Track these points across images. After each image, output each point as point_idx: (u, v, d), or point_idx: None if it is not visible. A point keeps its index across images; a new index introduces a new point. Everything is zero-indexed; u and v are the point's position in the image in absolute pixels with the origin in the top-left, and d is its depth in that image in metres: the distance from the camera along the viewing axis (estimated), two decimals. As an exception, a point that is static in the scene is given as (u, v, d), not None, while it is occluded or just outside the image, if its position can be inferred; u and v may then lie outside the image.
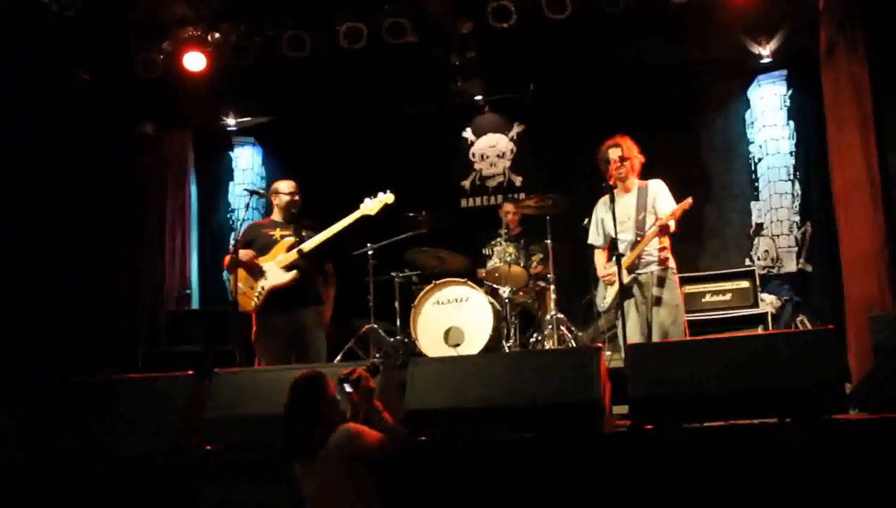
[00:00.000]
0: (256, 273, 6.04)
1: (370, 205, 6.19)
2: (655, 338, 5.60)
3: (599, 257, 6.11)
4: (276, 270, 6.06)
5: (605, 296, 5.97)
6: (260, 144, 9.89)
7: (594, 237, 6.09)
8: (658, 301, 5.67)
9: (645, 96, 8.50)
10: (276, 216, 6.33)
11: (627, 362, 4.88)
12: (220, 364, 6.02)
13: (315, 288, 6.20)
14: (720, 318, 7.30)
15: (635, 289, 5.74)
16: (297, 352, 5.97)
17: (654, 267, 5.74)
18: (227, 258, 6.10)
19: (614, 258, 5.62)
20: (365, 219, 6.21)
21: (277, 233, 6.21)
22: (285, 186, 6.34)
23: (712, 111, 8.71)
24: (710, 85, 8.64)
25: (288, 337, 6.00)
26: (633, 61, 8.36)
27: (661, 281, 5.71)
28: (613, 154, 5.86)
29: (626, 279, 5.66)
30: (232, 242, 6.15)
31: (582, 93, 8.80)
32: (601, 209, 6.01)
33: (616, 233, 5.74)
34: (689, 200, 5.62)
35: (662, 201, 5.80)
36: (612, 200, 5.65)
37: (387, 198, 6.24)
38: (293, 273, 6.04)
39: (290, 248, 6.10)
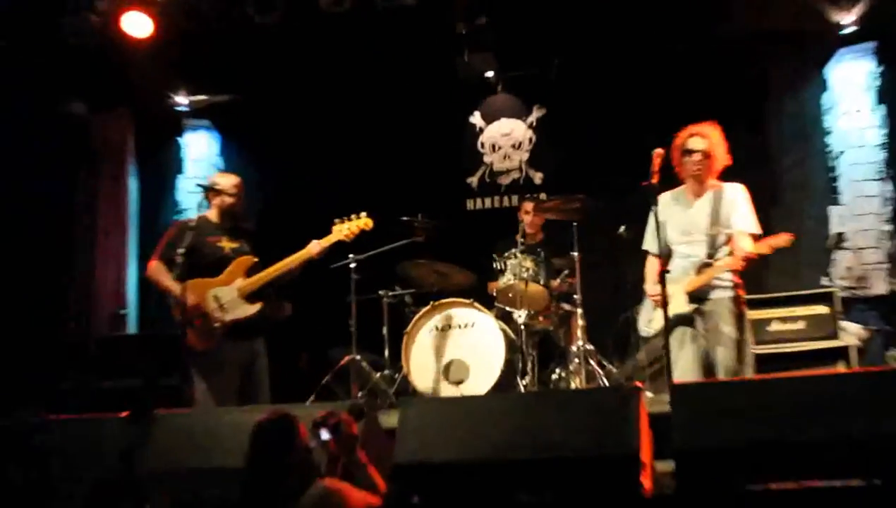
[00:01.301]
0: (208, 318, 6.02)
1: (345, 230, 6.24)
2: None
3: (652, 266, 6.03)
4: (236, 300, 6.06)
5: (653, 319, 5.90)
6: (217, 129, 9.90)
7: (650, 241, 6.01)
8: (725, 335, 5.63)
9: (697, 75, 8.52)
10: (214, 216, 6.30)
11: (673, 406, 4.84)
12: (162, 403, 5.99)
13: (276, 310, 6.25)
14: (790, 352, 7.27)
15: (696, 318, 5.70)
16: (247, 388, 6.02)
17: (726, 293, 5.70)
18: (158, 267, 6.08)
19: (666, 273, 5.57)
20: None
21: (225, 243, 6.19)
22: (229, 183, 6.31)
23: (781, 94, 8.71)
24: (779, 61, 8.64)
25: (239, 371, 6.04)
26: (684, 32, 8.37)
27: (731, 311, 5.67)
28: (696, 145, 5.76)
29: (687, 308, 5.64)
30: (177, 252, 5.96)
31: (618, 69, 8.81)
32: (665, 209, 5.92)
33: (674, 243, 5.70)
34: (787, 237, 5.54)
35: (740, 218, 5.70)
36: (655, 203, 5.59)
37: (363, 222, 6.29)
38: (258, 305, 6.06)
39: (249, 271, 6.11)
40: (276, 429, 4.12)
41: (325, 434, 4.21)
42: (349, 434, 4.23)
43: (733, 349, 5.61)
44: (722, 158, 5.80)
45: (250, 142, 9.69)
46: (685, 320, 5.62)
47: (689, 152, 5.74)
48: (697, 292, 5.66)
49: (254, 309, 6.06)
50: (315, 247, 6.16)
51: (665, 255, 5.87)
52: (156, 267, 6.15)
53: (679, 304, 5.61)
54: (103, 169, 9.47)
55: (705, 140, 5.75)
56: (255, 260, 6.17)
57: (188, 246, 5.93)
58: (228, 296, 6.06)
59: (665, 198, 5.84)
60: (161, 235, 6.35)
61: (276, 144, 9.42)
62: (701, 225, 5.76)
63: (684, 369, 5.56)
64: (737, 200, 5.75)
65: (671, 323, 5.61)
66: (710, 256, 5.70)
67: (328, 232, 6.28)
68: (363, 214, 6.29)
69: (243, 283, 6.08)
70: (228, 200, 6.26)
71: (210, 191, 6.29)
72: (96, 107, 9.45)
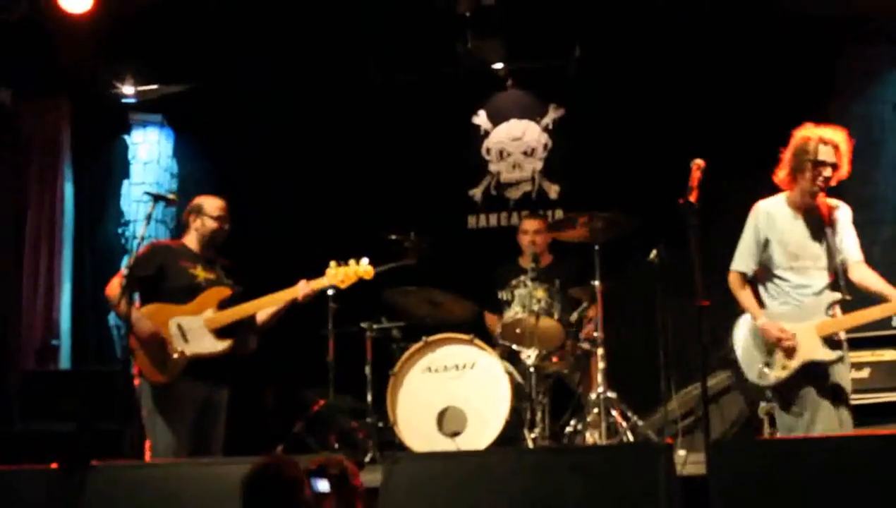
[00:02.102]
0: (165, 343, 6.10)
1: (340, 275, 6.31)
2: None
3: (744, 291, 5.92)
4: (203, 332, 6.16)
5: (773, 364, 5.71)
6: (171, 126, 9.91)
7: (745, 259, 5.94)
8: (846, 392, 5.62)
9: (748, 68, 8.53)
10: (193, 243, 6.42)
11: (710, 467, 4.86)
12: (100, 452, 5.99)
13: (241, 347, 6.31)
14: (854, 405, 7.25)
15: (828, 370, 5.63)
16: (201, 436, 6.10)
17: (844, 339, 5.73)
18: (117, 286, 6.09)
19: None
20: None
21: (200, 272, 6.31)
22: (213, 206, 6.42)
23: (846, 93, 8.71)
24: (846, 54, 8.64)
25: (197, 413, 6.11)
26: (735, 14, 8.39)
27: (843, 361, 5.69)
28: (829, 157, 5.67)
29: (830, 355, 5.60)
30: (126, 267, 6.11)
31: (652, 61, 8.84)
32: (767, 222, 5.85)
33: (779, 268, 5.71)
34: None
35: (855, 246, 5.74)
36: (690, 219, 5.57)
37: (363, 270, 6.35)
38: (228, 342, 6.18)
39: (223, 303, 6.23)
40: (280, 480, 4.00)
41: (322, 486, 4.14)
42: (353, 487, 4.18)
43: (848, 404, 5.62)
44: (844, 171, 5.74)
45: (211, 140, 9.70)
46: (817, 372, 5.56)
47: (820, 164, 5.66)
48: (831, 336, 5.64)
49: (222, 345, 6.17)
50: (303, 288, 6.28)
51: (748, 280, 5.86)
52: (115, 286, 6.19)
53: (813, 349, 5.57)
54: (32, 170, 9.47)
55: (833, 149, 5.67)
56: (231, 292, 6.30)
57: (155, 267, 6.18)
58: (194, 326, 6.15)
59: (767, 209, 5.86)
60: (103, 251, 6.39)
61: (241, 146, 9.42)
62: (814, 249, 5.77)
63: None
64: (848, 224, 5.80)
65: (798, 373, 5.58)
66: (835, 289, 5.71)
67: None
68: (364, 260, 6.35)
69: (213, 315, 6.18)
70: (211, 225, 6.38)
71: (191, 213, 6.40)
72: (25, 95, 9.47)
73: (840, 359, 5.62)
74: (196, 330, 6.15)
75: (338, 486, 4.10)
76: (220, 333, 6.16)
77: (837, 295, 5.69)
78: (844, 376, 5.65)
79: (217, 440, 6.23)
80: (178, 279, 6.21)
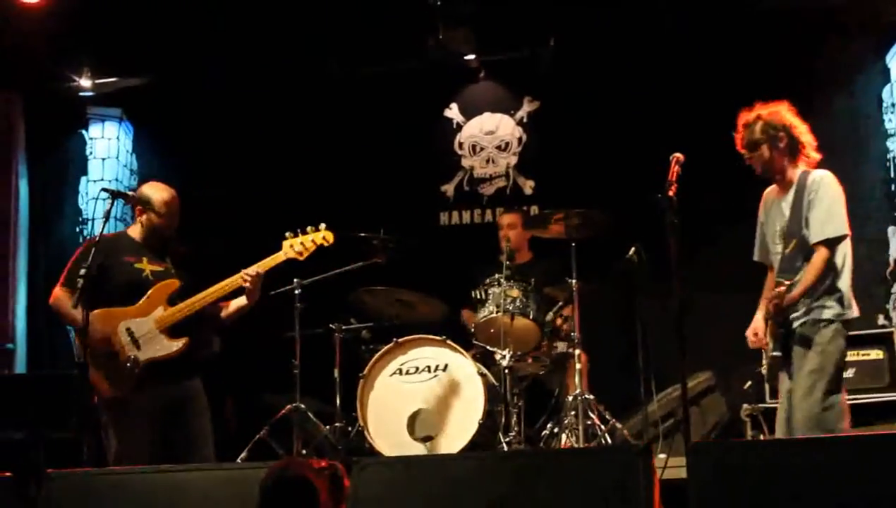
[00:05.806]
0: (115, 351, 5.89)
1: (297, 246, 6.06)
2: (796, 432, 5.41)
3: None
4: (154, 334, 5.91)
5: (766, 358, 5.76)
6: (130, 120, 9.87)
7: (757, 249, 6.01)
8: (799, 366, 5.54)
9: (728, 60, 8.55)
10: (136, 234, 6.22)
11: (691, 471, 4.86)
12: (56, 461, 5.94)
13: (204, 348, 6.14)
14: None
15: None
16: (173, 436, 5.91)
17: (819, 313, 5.60)
18: (62, 294, 5.96)
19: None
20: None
21: (146, 265, 6.07)
22: (159, 196, 6.16)
23: (830, 87, 8.74)
24: (829, 46, 8.67)
25: (160, 424, 5.89)
26: (714, 6, 8.41)
27: (809, 338, 5.56)
28: None
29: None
30: (81, 272, 5.95)
31: (630, 53, 8.86)
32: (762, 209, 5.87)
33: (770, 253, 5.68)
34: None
35: (816, 215, 5.61)
36: (668, 215, 5.57)
37: (320, 236, 6.11)
38: (182, 341, 5.92)
39: (172, 298, 5.97)
40: (296, 484, 3.99)
41: None
42: (342, 488, 4.16)
43: (804, 382, 5.55)
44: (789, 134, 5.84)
45: (172, 135, 9.66)
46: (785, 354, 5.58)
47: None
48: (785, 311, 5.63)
49: (176, 345, 5.91)
50: (252, 269, 6.00)
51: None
52: (59, 295, 6.07)
53: None
54: (-16, 167, 9.45)
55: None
56: (178, 283, 6.04)
57: (96, 265, 5.83)
58: (144, 330, 5.92)
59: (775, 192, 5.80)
60: (60, 250, 6.31)
61: (203, 141, 9.39)
62: (780, 225, 5.76)
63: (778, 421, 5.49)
64: (818, 191, 5.71)
65: (772, 361, 5.57)
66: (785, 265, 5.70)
67: (274, 249, 6.20)
68: (322, 226, 6.11)
69: (163, 314, 5.95)
70: (156, 220, 6.10)
71: (137, 204, 6.19)
72: (-26, 88, 9.45)
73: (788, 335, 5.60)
74: (147, 334, 5.91)
75: (333, 487, 4.09)
76: (171, 332, 5.92)
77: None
78: (804, 352, 5.55)
79: (201, 439, 6.03)
80: (121, 275, 5.97)
